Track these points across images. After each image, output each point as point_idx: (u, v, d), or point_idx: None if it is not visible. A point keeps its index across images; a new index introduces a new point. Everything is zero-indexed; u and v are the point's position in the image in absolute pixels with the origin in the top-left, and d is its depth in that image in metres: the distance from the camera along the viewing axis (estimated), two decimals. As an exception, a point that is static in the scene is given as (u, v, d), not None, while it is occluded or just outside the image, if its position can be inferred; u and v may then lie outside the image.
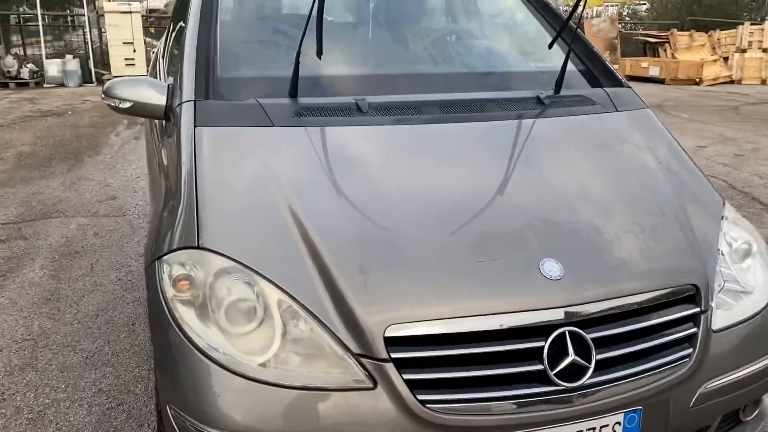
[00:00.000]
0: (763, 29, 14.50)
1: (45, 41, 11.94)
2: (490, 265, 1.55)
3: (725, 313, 1.70)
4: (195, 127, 1.86)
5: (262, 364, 1.43)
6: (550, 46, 2.33)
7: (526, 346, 1.45)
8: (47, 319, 3.13)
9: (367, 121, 1.95)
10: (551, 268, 1.54)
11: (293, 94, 1.97)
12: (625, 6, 22.00)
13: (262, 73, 2.25)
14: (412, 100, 2.10)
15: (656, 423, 1.57)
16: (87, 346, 2.89)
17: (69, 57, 11.69)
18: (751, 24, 15.01)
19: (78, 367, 2.73)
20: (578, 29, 2.56)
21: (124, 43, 11.32)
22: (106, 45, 12.00)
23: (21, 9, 17.06)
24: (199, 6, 2.34)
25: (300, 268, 1.50)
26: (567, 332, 1.46)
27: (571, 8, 2.33)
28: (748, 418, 1.86)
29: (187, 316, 1.50)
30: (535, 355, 1.46)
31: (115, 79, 2.18)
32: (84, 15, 12.52)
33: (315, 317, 1.44)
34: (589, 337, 1.48)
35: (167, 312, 1.52)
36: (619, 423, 1.52)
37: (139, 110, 2.13)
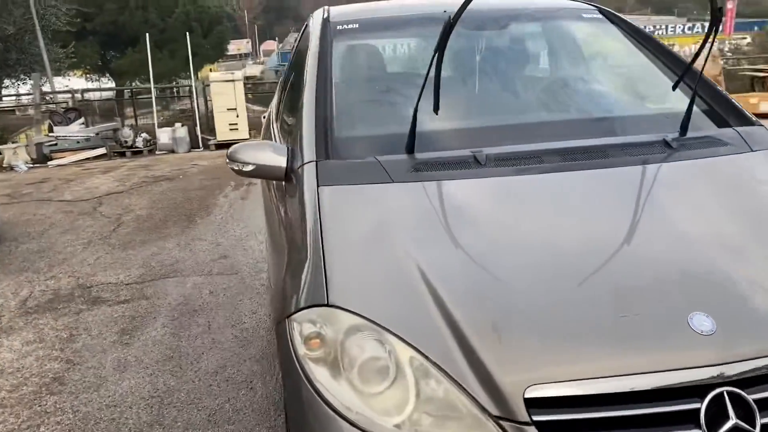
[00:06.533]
0: None
1: (156, 111, 12.89)
2: (632, 320, 1.44)
3: None
4: (318, 186, 1.91)
5: (397, 425, 1.39)
6: (675, 87, 2.23)
7: (679, 408, 1.33)
8: (171, 376, 3.24)
9: (486, 172, 1.91)
10: (701, 322, 1.42)
11: (410, 150, 1.98)
12: (726, 42, 21.02)
13: (378, 132, 2.26)
14: (532, 149, 2.04)
15: None
16: (209, 403, 2.95)
17: (178, 125, 12.47)
18: None
19: (202, 425, 2.78)
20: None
21: (228, 109, 11.99)
22: (211, 112, 12.74)
23: (134, 84, 18.74)
24: (315, 71, 2.41)
25: (429, 325, 1.46)
26: (725, 392, 1.33)
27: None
28: None
29: (319, 374, 1.49)
30: (689, 418, 1.33)
31: (238, 144, 2.27)
32: (191, 85, 13.45)
33: (449, 376, 1.39)
34: (751, 398, 1.34)
35: (300, 370, 1.52)
36: None
37: (260, 173, 2.20)
